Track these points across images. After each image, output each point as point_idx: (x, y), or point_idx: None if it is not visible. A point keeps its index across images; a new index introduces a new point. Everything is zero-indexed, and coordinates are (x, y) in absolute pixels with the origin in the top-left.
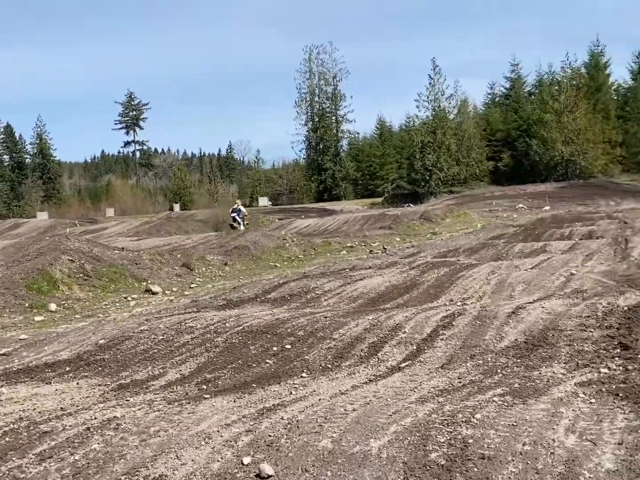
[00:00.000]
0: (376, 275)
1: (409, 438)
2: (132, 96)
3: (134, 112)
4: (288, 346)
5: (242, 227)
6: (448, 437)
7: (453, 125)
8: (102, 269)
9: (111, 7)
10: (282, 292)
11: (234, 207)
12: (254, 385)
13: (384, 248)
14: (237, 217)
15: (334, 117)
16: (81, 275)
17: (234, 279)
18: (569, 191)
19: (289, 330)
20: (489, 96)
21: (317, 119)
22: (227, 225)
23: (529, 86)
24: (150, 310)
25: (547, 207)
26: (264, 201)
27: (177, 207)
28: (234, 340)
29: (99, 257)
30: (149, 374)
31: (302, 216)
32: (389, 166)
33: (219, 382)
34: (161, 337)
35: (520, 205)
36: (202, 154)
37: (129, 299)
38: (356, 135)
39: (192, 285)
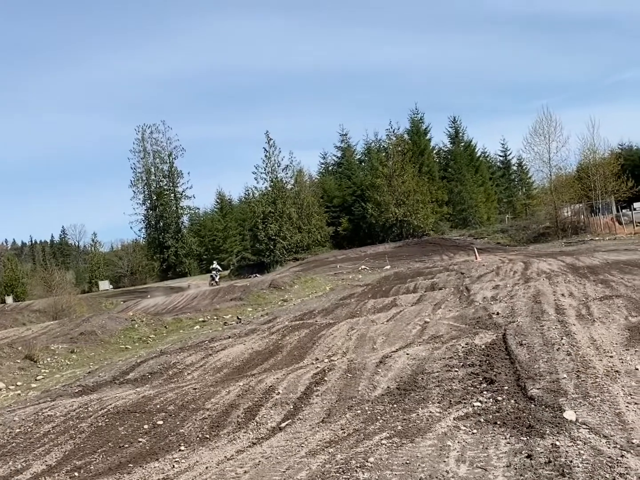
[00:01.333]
0: (237, 343)
1: None
2: None
3: None
4: (160, 422)
5: (218, 282)
6: None
7: (292, 195)
8: None
9: None
10: (142, 371)
11: (212, 267)
12: (131, 465)
13: (238, 318)
14: (213, 275)
15: (172, 194)
16: None
17: (84, 366)
18: (406, 250)
19: (158, 406)
20: (323, 165)
21: (155, 197)
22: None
23: (358, 154)
24: None
25: (388, 266)
26: (104, 285)
27: (9, 299)
28: (100, 424)
29: None
30: (10, 470)
31: (148, 296)
32: (232, 239)
33: (92, 467)
34: (18, 430)
35: (363, 267)
36: (32, 241)
37: None
38: (197, 211)
39: (38, 377)
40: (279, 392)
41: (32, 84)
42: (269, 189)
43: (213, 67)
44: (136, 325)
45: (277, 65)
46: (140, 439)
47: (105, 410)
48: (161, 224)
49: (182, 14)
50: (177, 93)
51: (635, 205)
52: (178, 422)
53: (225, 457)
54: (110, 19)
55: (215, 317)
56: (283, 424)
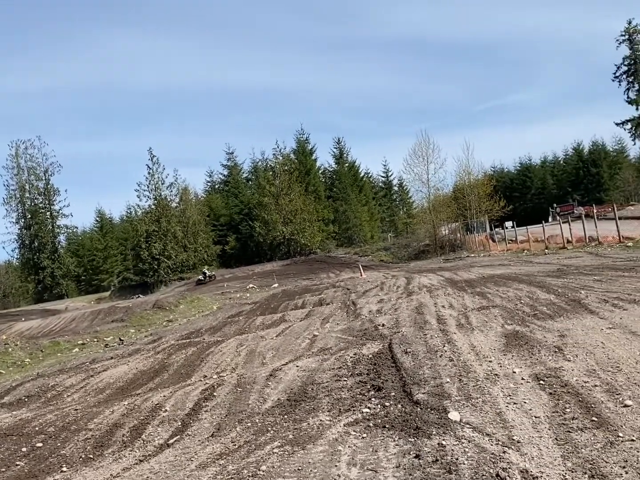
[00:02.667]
0: (120, 364)
1: None
2: None
3: None
4: (39, 444)
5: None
6: None
7: (177, 213)
8: None
9: None
10: (17, 394)
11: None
12: None
13: (120, 340)
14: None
15: (48, 213)
16: None
17: None
18: (293, 268)
19: (36, 428)
20: (209, 183)
21: (29, 216)
22: None
23: (245, 172)
24: None
25: (276, 284)
26: None
27: None
28: None
29: None
30: None
31: (23, 319)
32: (113, 259)
33: None
34: None
35: (251, 285)
36: None
37: None
38: (75, 230)
39: None
40: (166, 410)
41: None
42: (153, 206)
43: (93, 84)
44: (10, 349)
45: (162, 84)
46: (18, 462)
47: None
48: (36, 243)
49: (63, 28)
50: (56, 109)
51: (507, 224)
52: (59, 444)
53: (111, 475)
54: None
55: (95, 340)
56: (171, 441)
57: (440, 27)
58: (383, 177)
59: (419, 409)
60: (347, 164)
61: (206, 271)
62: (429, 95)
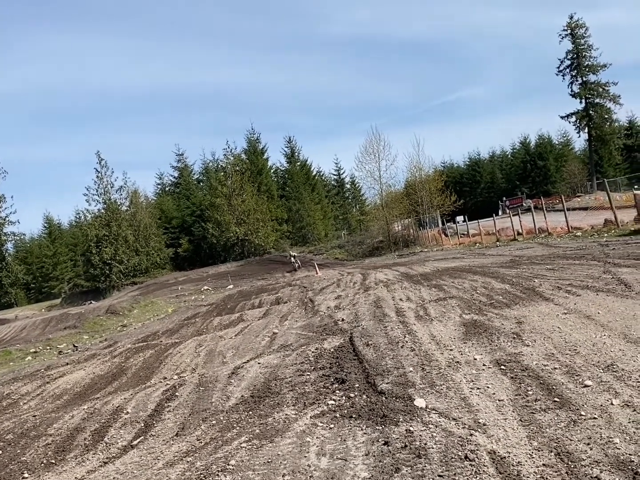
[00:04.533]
0: (77, 370)
1: None
2: None
3: None
4: None
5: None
6: None
7: (127, 217)
8: None
9: None
10: None
11: (292, 254)
12: None
13: (74, 346)
14: (292, 260)
15: None
16: None
17: None
18: (248, 268)
19: None
20: (159, 186)
21: None
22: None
23: (196, 174)
24: None
25: (231, 286)
26: None
27: None
28: None
29: None
30: None
31: None
32: (62, 265)
33: None
34: None
35: (206, 287)
36: None
37: None
38: (22, 237)
39: None
40: (127, 412)
41: None
42: (102, 211)
43: (38, 86)
44: None
45: (108, 85)
46: None
47: None
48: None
49: (2, 27)
50: None
51: (458, 218)
52: (19, 451)
53: (75, 478)
54: None
55: (48, 347)
56: (135, 442)
57: (387, 25)
58: (335, 175)
59: (384, 398)
60: (298, 163)
61: (293, 253)
62: (378, 93)
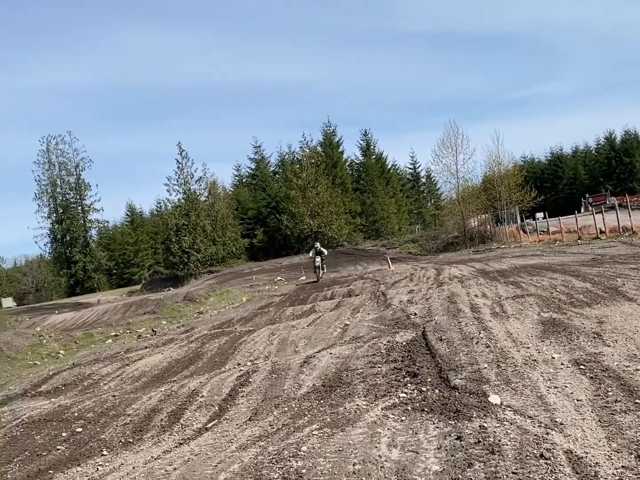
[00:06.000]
0: (155, 353)
1: None
2: None
3: None
4: (79, 429)
5: (322, 274)
6: (281, 472)
7: (205, 207)
8: None
9: None
10: (55, 383)
11: (316, 248)
12: (51, 472)
13: (153, 331)
14: (318, 261)
15: (80, 207)
16: None
17: None
18: None
19: (76, 414)
20: (237, 177)
21: (61, 211)
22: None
23: (272, 166)
24: None
25: (304, 277)
26: (8, 302)
27: None
28: (14, 434)
29: None
30: None
31: (56, 312)
32: (143, 252)
33: (8, 476)
34: None
35: (279, 278)
36: None
37: None
38: (106, 224)
39: None
40: (202, 395)
41: None
42: (182, 201)
43: (123, 81)
44: (44, 341)
45: (190, 79)
46: (59, 447)
47: (19, 420)
48: (68, 238)
49: (91, 26)
50: (86, 105)
51: (538, 215)
52: (98, 429)
53: (152, 457)
54: (15, 28)
55: (128, 331)
56: (209, 425)
57: (467, 18)
58: (410, 169)
59: (457, 393)
60: (374, 156)
61: (320, 247)
62: (457, 86)
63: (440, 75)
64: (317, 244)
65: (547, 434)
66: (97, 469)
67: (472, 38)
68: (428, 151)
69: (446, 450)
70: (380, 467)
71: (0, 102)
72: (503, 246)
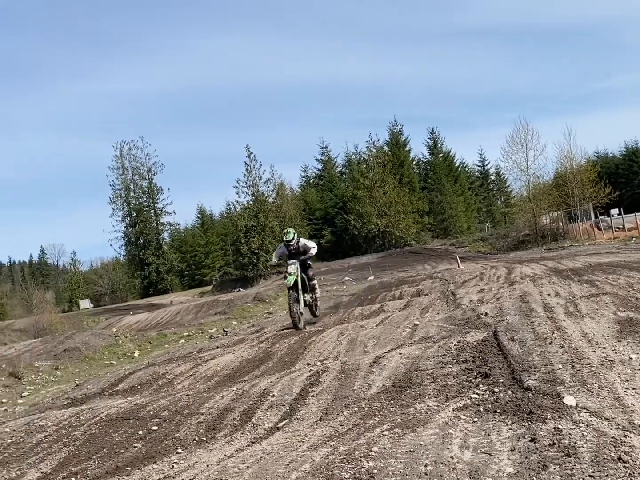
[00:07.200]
0: (226, 353)
1: None
2: None
3: None
4: (154, 427)
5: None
6: (352, 472)
7: (274, 208)
8: None
9: None
10: (130, 382)
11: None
12: (128, 469)
13: (224, 331)
14: (293, 271)
15: (152, 211)
16: None
17: (69, 381)
18: (389, 260)
19: (151, 413)
20: (304, 178)
21: (134, 214)
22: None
23: (339, 166)
24: None
25: (372, 277)
26: (85, 303)
27: None
28: (93, 431)
29: None
30: (4, 478)
31: (131, 312)
32: (214, 254)
33: (88, 472)
34: (10, 440)
35: (347, 278)
36: (11, 262)
37: None
38: (177, 227)
39: (23, 394)
40: (273, 395)
41: (10, 103)
42: (251, 202)
43: (190, 84)
44: (120, 341)
45: (256, 82)
46: (135, 444)
47: (97, 418)
48: (141, 240)
49: (160, 31)
50: (156, 110)
51: (613, 211)
52: (173, 427)
53: (225, 455)
54: (87, 36)
55: (200, 331)
56: (280, 424)
57: (537, 10)
58: (479, 166)
59: (530, 395)
60: (441, 154)
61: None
62: (525, 81)
63: (510, 70)
64: (291, 234)
65: (625, 436)
66: (173, 466)
67: (543, 31)
68: (497, 148)
69: (520, 452)
70: (453, 468)
71: (77, 108)
72: (576, 244)
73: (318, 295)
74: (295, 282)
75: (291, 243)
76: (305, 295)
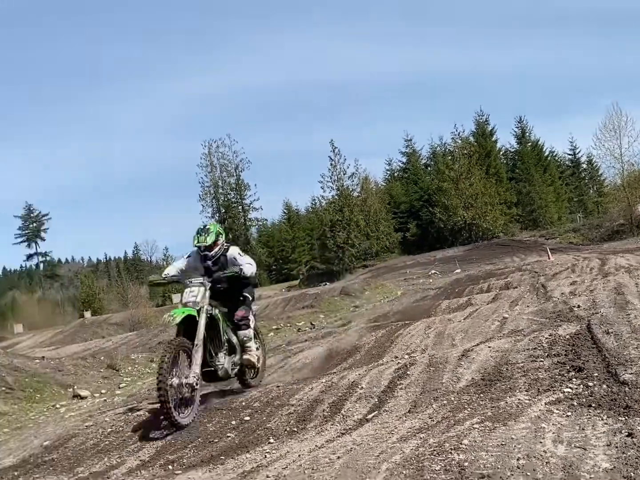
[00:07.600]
0: (314, 345)
1: (404, 472)
2: (31, 208)
3: (34, 224)
4: (247, 418)
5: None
6: (442, 465)
7: (358, 202)
8: (25, 379)
9: None
10: None
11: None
12: (222, 457)
13: (312, 324)
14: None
15: (240, 207)
16: (3, 388)
17: None
18: (476, 253)
19: (243, 403)
20: (388, 172)
21: (223, 210)
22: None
23: (424, 158)
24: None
25: (459, 270)
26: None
27: (87, 314)
28: None
29: (20, 368)
30: (106, 465)
31: None
32: (300, 249)
33: (184, 461)
34: (110, 429)
35: (433, 271)
36: (107, 258)
37: (58, 406)
38: (265, 222)
39: (121, 385)
40: (362, 387)
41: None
42: (336, 197)
43: (271, 83)
44: None
45: (338, 77)
46: (229, 434)
47: None
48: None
49: (249, 29)
50: (241, 107)
51: None
52: (264, 418)
53: (316, 445)
54: (176, 38)
55: (288, 325)
56: (369, 416)
57: None
58: (570, 154)
59: (627, 389)
60: (529, 144)
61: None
62: (619, 66)
63: (601, 55)
64: (209, 235)
65: None
66: (265, 455)
67: (634, 14)
68: (589, 136)
69: (616, 447)
70: (546, 462)
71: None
72: None
73: (259, 354)
74: (190, 321)
75: (208, 249)
76: (220, 354)
